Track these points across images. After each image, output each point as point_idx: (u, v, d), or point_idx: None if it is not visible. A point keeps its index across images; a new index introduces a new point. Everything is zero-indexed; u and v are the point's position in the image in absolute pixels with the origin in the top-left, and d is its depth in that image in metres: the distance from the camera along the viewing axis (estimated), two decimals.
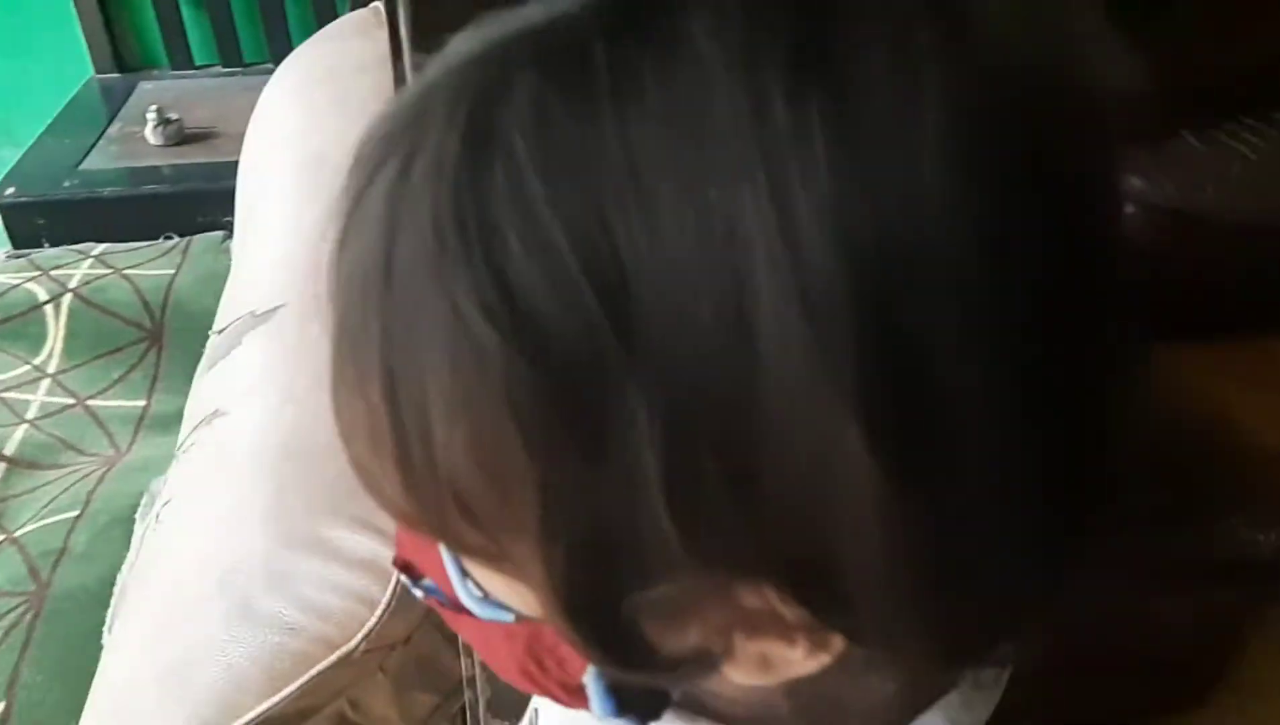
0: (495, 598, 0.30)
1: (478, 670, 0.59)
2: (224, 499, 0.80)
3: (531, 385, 0.22)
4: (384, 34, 1.64)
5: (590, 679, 0.30)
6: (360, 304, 0.25)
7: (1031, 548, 0.24)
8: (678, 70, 0.21)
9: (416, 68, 0.36)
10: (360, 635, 0.69)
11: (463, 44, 0.26)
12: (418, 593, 0.36)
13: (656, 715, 0.32)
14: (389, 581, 0.71)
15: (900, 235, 0.20)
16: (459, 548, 0.29)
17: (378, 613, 0.70)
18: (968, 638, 0.26)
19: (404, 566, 0.36)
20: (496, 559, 0.27)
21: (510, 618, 0.30)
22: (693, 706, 0.34)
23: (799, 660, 0.27)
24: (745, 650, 0.27)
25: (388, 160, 0.25)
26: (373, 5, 1.75)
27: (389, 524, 0.77)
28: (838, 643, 0.26)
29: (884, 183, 0.20)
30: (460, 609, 0.32)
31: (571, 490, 0.23)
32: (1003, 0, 0.22)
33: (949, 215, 0.20)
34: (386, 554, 0.73)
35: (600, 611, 0.25)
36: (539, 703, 0.46)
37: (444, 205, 0.22)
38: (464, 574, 0.31)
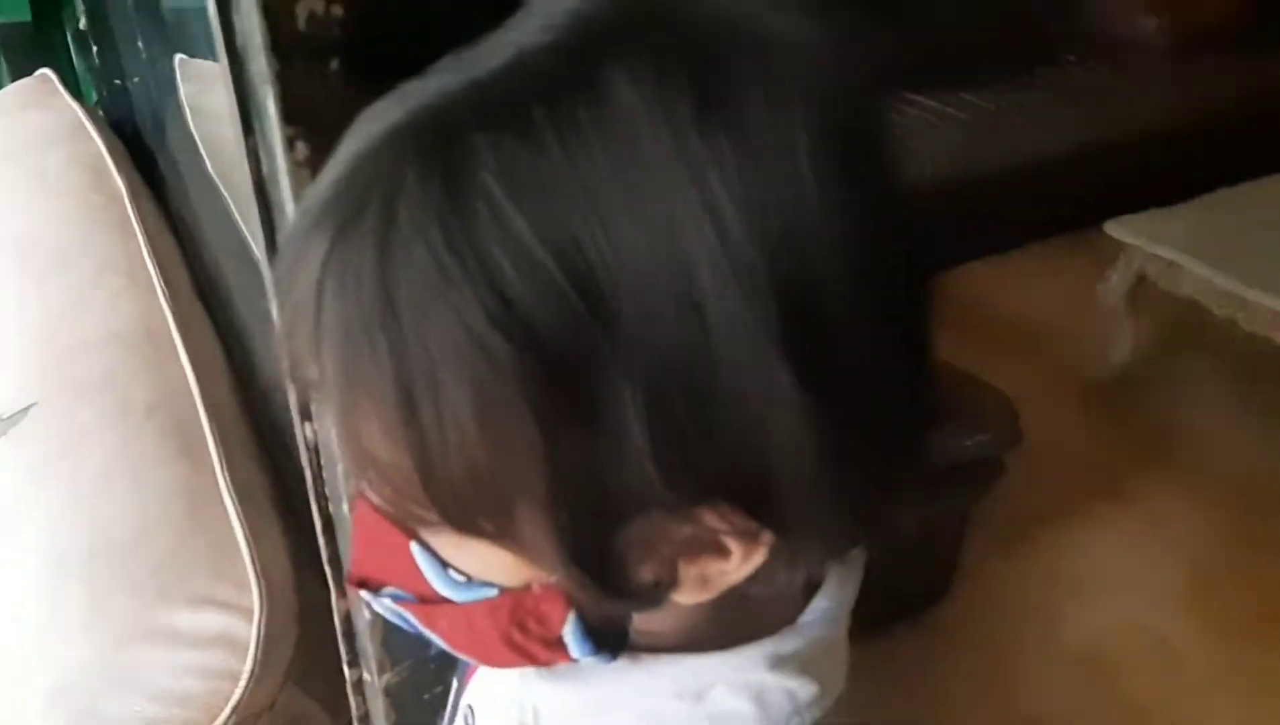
0: (478, 578, 0.35)
1: (376, 704, 0.61)
2: (31, 618, 0.74)
3: (538, 377, 0.27)
4: (63, 101, 1.51)
5: (569, 629, 0.36)
6: (364, 339, 0.28)
7: (899, 436, 0.33)
8: (607, 116, 0.27)
9: (289, 140, 0.39)
10: (228, 710, 0.68)
11: (376, 122, 0.30)
12: (382, 604, 0.39)
13: (621, 648, 0.38)
14: (246, 650, 0.71)
15: (794, 225, 0.28)
16: (472, 532, 0.32)
17: (242, 683, 0.69)
18: (865, 514, 0.35)
19: (360, 583, 0.40)
20: (502, 536, 0.32)
21: (494, 592, 0.35)
22: (636, 644, 0.40)
23: (732, 571, 0.33)
24: (688, 574, 0.34)
25: (356, 217, 0.29)
26: (39, 73, 1.61)
27: (230, 593, 0.76)
28: (763, 549, 0.33)
29: (777, 187, 0.28)
30: (438, 601, 0.36)
31: (573, 456, 0.28)
32: (819, 46, 0.31)
33: (824, 207, 0.28)
34: (236, 624, 0.72)
35: (596, 553, 0.31)
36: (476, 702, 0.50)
37: (438, 242, 0.27)
38: (445, 566, 0.35)
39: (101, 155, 1.32)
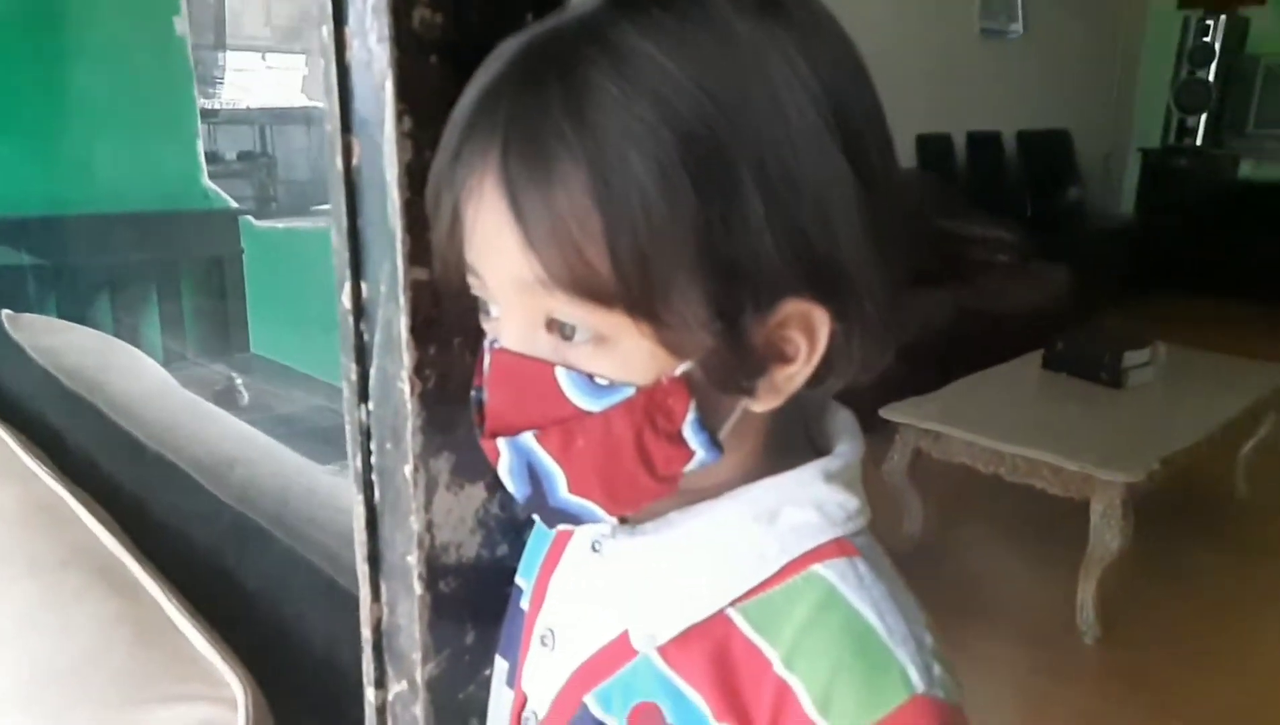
0: (619, 380, 0.43)
1: (412, 711, 0.61)
2: None
3: (692, 157, 0.39)
4: None
5: (689, 421, 0.44)
6: (560, 148, 0.39)
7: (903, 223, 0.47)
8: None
9: (399, 114, 0.51)
10: None
11: (509, 50, 0.43)
12: (517, 447, 0.45)
13: (721, 449, 0.46)
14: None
15: (839, 73, 0.43)
16: (637, 306, 0.41)
17: None
18: (891, 323, 0.47)
19: (495, 434, 0.46)
20: (658, 314, 0.41)
21: (631, 391, 0.43)
22: (713, 489, 0.48)
23: (797, 372, 0.45)
24: (762, 385, 0.45)
25: (535, 80, 0.40)
26: None
27: (204, 689, 0.75)
28: (820, 348, 0.45)
29: (827, 50, 0.43)
30: (579, 416, 0.44)
31: (715, 223, 0.40)
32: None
33: (855, 64, 0.44)
34: (220, 713, 0.69)
35: (729, 324, 0.42)
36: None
37: (625, 84, 0.39)
38: (590, 377, 0.43)
39: None
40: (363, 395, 0.58)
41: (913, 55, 3.78)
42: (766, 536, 0.46)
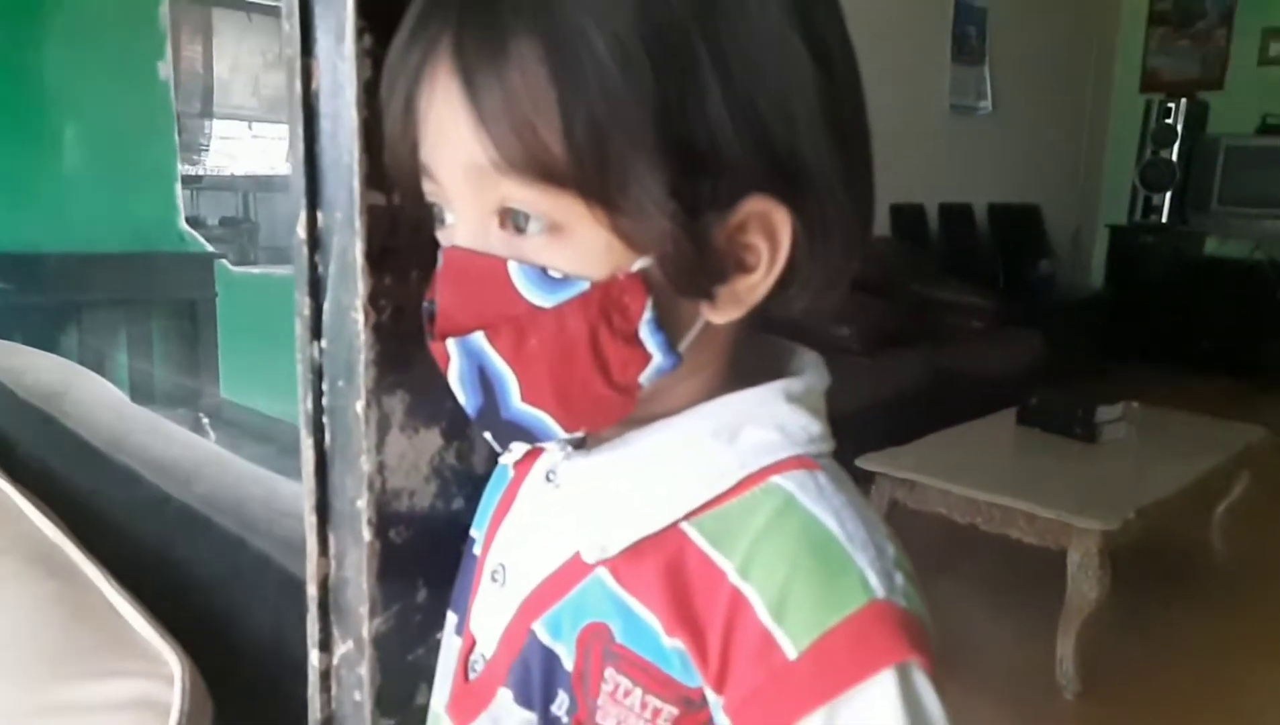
0: (573, 273, 0.41)
1: (357, 672, 0.57)
2: None
3: (654, 39, 0.38)
4: None
5: (645, 320, 0.42)
6: (515, 22, 0.39)
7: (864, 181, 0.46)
8: None
9: (359, 31, 0.50)
10: None
11: None
12: (467, 347, 0.43)
13: (679, 359, 0.44)
14: (169, 710, 0.64)
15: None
16: (590, 191, 0.40)
17: None
18: (853, 238, 0.46)
19: (446, 335, 0.44)
20: (608, 196, 0.39)
21: (586, 285, 0.41)
22: (677, 407, 0.47)
23: (758, 282, 0.43)
24: (722, 295, 0.43)
25: None
26: None
27: (139, 665, 0.72)
28: (781, 258, 0.44)
29: None
30: (532, 312, 0.41)
31: (674, 104, 0.39)
32: None
33: None
34: (155, 687, 0.65)
35: (687, 213, 0.40)
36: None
37: None
38: (543, 270, 0.42)
39: None
40: (315, 332, 0.57)
41: (886, 127, 3.82)
42: (726, 453, 0.45)
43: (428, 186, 0.45)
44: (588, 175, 0.40)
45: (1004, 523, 2.20)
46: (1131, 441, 2.64)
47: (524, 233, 0.42)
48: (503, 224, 0.42)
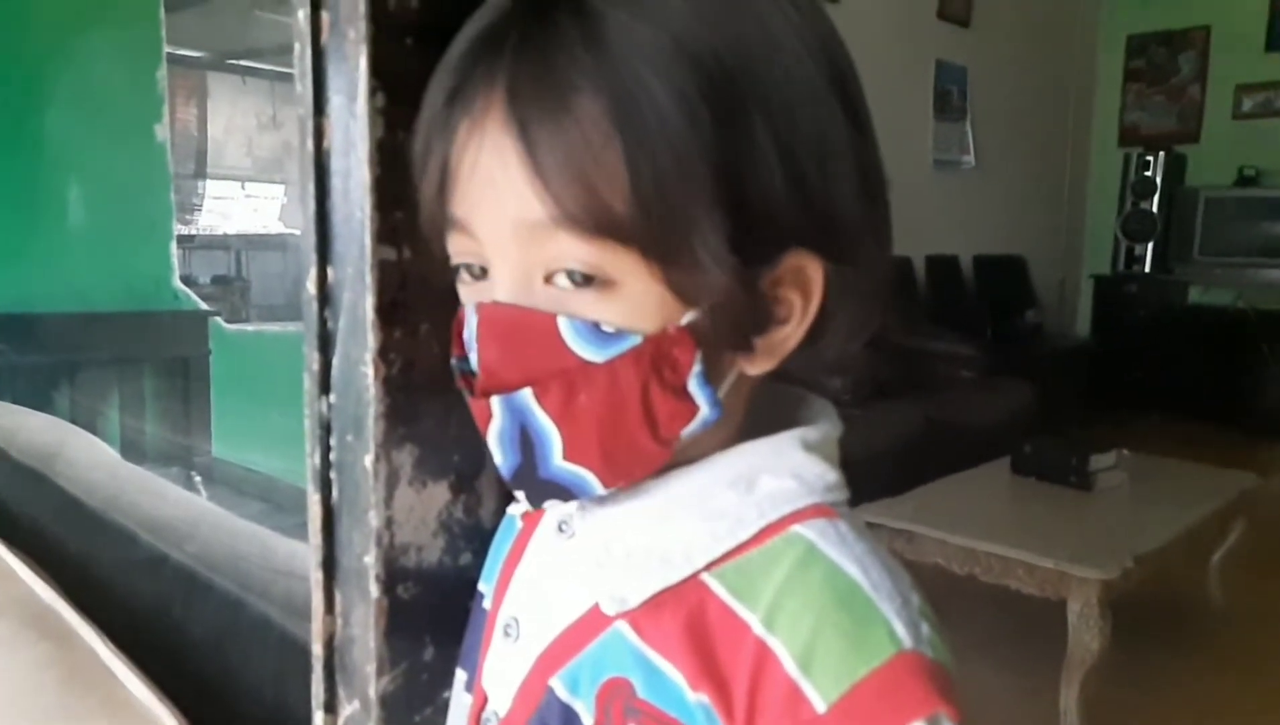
0: (626, 327, 0.41)
1: None
2: None
3: (713, 94, 0.39)
4: None
5: (694, 374, 0.42)
6: (576, 76, 0.38)
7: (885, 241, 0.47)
8: None
9: (372, 90, 0.51)
10: None
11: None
12: (513, 406, 0.42)
13: (720, 409, 0.44)
14: None
15: (828, 33, 0.44)
16: (651, 246, 0.39)
17: None
18: (880, 296, 0.46)
19: (489, 392, 0.43)
20: (669, 251, 0.39)
21: (638, 339, 0.41)
22: (694, 454, 0.46)
23: (791, 334, 0.44)
24: (759, 346, 0.44)
25: (541, 18, 0.40)
26: None
27: (134, 723, 0.70)
28: (813, 310, 0.44)
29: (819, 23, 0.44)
30: (583, 367, 0.41)
31: (733, 159, 0.39)
32: None
33: (832, 31, 0.45)
34: None
35: (742, 265, 0.40)
36: None
37: (637, 12, 0.39)
38: (595, 324, 0.41)
39: None
40: (324, 386, 0.57)
41: None
42: (743, 503, 0.44)
43: (460, 243, 0.44)
44: (651, 230, 0.39)
45: (1003, 573, 2.19)
46: (1126, 489, 2.64)
47: (574, 287, 0.41)
48: (548, 281, 0.41)
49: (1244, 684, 2.40)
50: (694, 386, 0.42)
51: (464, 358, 0.45)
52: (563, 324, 0.41)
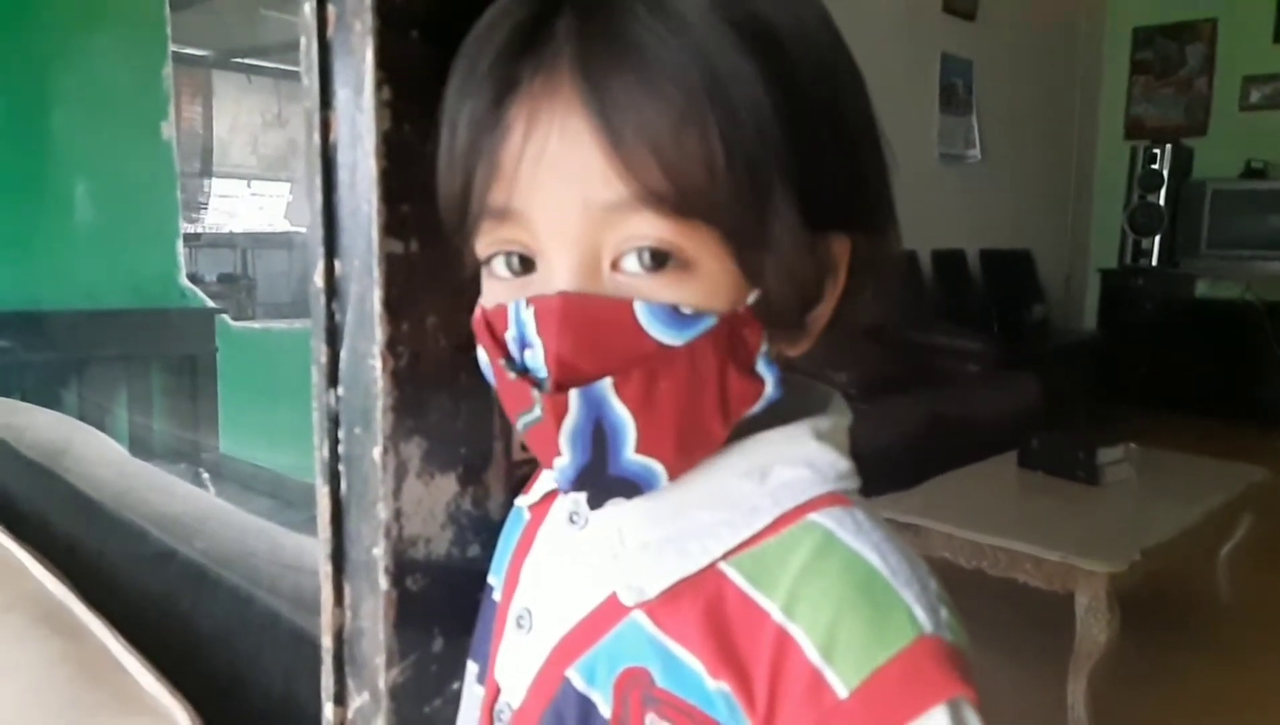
0: (703, 307, 0.40)
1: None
2: None
3: (784, 69, 0.39)
4: None
5: (762, 355, 0.43)
6: (658, 48, 0.38)
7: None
8: None
9: (378, 83, 0.51)
10: None
11: None
12: (590, 397, 0.41)
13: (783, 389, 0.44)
14: None
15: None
16: (734, 222, 0.39)
17: None
18: (895, 268, 0.47)
19: (567, 386, 0.41)
20: (750, 228, 0.40)
21: (714, 319, 0.41)
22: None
23: (823, 312, 0.45)
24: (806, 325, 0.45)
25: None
26: None
27: (146, 718, 0.71)
28: (840, 286, 0.44)
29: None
30: (662, 352, 0.40)
31: (797, 136, 0.40)
32: None
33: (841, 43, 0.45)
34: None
35: (818, 243, 0.42)
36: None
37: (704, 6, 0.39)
38: (674, 307, 0.40)
39: None
40: (332, 379, 0.57)
41: None
42: (757, 492, 0.45)
43: (504, 232, 0.43)
44: (737, 207, 0.39)
45: (1010, 566, 2.19)
46: (1134, 483, 2.63)
47: (648, 271, 0.40)
48: (614, 266, 0.41)
49: (1251, 677, 2.40)
50: (762, 366, 0.43)
51: (510, 358, 0.43)
52: (639, 308, 0.40)
